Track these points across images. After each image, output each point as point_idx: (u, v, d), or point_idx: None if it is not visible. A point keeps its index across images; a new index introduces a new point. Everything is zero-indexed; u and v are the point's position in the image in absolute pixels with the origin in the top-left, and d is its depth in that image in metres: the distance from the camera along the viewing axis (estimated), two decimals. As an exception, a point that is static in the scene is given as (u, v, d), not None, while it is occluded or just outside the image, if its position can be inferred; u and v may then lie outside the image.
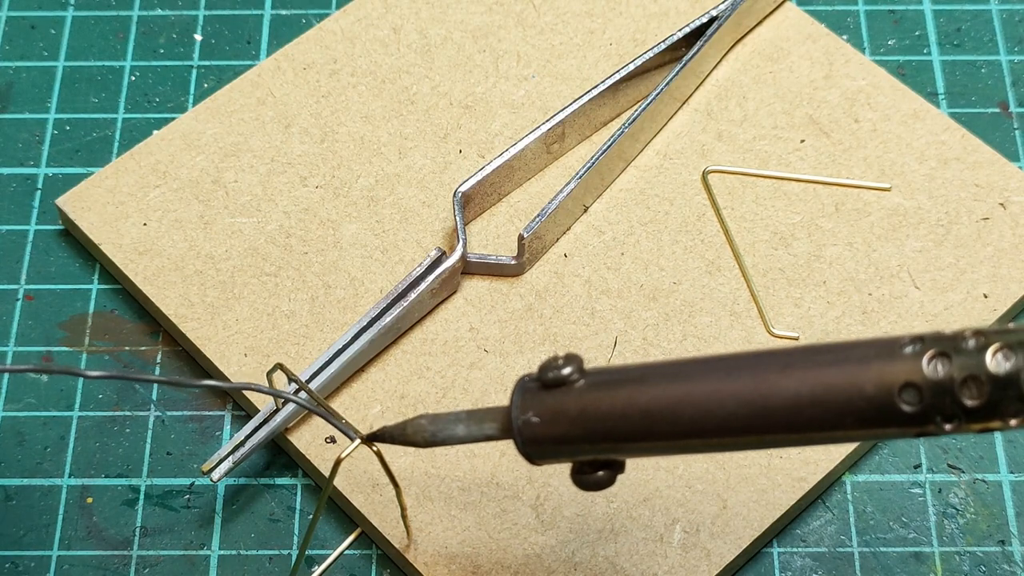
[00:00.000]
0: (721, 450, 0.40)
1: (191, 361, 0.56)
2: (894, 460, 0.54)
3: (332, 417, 0.48)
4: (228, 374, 0.54)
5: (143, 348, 0.56)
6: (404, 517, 0.50)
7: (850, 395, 0.36)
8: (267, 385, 0.50)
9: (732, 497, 0.51)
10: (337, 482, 0.52)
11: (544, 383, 0.42)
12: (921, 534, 0.52)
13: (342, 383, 0.54)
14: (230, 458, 0.51)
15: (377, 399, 0.54)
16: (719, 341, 0.55)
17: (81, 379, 0.56)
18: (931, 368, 0.36)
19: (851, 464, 0.53)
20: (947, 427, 0.36)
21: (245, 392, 0.54)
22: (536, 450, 0.42)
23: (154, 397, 0.55)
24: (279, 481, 0.54)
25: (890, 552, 0.52)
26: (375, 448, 0.47)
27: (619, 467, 0.42)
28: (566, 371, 0.41)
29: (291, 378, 0.49)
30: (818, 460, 0.52)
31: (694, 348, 0.54)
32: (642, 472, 0.52)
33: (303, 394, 0.50)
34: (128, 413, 0.55)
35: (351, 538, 0.52)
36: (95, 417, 0.55)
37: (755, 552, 0.52)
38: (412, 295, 0.54)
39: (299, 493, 0.53)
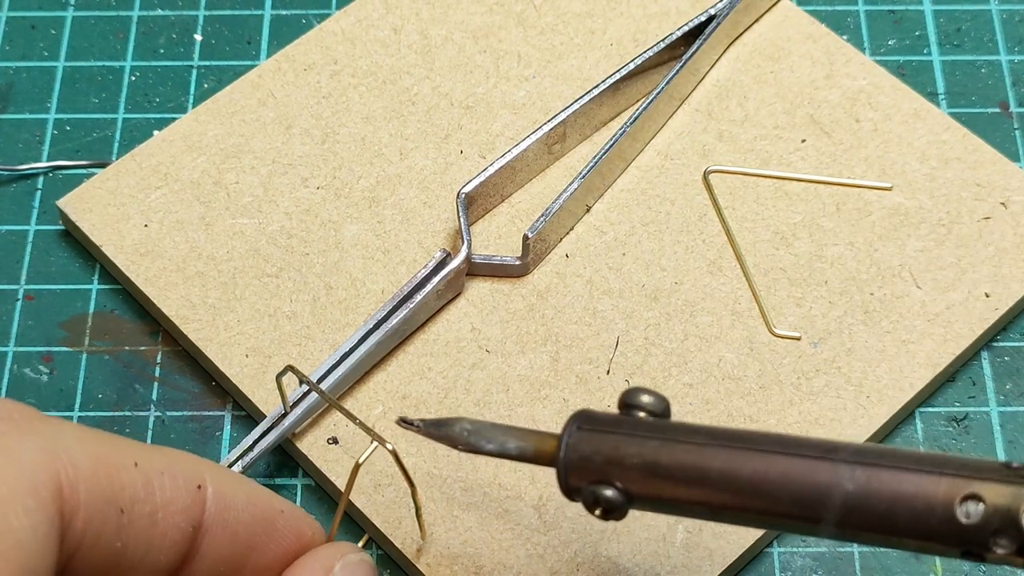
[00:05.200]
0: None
1: (191, 361, 0.56)
2: (895, 460, 0.54)
3: (353, 422, 0.48)
4: (229, 375, 0.54)
5: (143, 348, 0.56)
6: (419, 516, 0.50)
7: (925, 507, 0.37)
8: (276, 387, 0.50)
9: (734, 497, 0.52)
10: (337, 483, 0.52)
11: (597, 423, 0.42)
12: (923, 534, 0.52)
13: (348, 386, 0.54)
14: (240, 463, 0.51)
15: (379, 400, 0.54)
16: (720, 341, 0.55)
17: (81, 379, 0.55)
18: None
19: (853, 464, 0.54)
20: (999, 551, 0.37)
21: (246, 392, 0.54)
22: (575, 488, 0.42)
23: (154, 397, 0.55)
24: (279, 481, 0.53)
25: (890, 552, 0.52)
26: (390, 447, 0.47)
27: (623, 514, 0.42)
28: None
29: (303, 380, 0.49)
30: (820, 460, 0.52)
31: (695, 347, 0.54)
32: (644, 472, 0.52)
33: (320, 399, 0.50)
34: (128, 413, 0.55)
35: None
36: (95, 417, 0.55)
37: (756, 552, 0.52)
38: (418, 297, 0.54)
39: (299, 493, 0.53)
